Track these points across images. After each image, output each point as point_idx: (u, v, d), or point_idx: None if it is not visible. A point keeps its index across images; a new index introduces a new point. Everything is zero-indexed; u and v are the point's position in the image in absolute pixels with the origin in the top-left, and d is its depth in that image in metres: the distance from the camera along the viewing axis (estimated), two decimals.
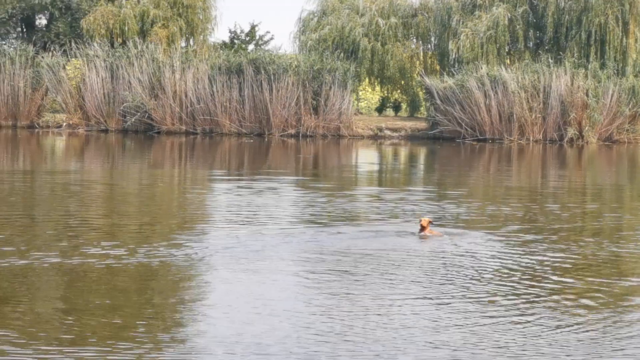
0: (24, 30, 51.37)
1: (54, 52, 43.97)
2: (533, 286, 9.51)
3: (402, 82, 49.33)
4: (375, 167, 29.17)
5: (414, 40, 50.08)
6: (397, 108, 51.02)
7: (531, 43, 46.54)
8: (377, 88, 51.75)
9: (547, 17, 43.77)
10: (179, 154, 32.65)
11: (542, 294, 9.19)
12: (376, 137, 43.00)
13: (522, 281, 9.74)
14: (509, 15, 44.11)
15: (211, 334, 7.52)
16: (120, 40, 44.86)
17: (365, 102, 54.11)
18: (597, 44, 43.10)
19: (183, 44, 47.36)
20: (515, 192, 20.42)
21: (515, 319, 8.15)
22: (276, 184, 20.91)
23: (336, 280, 9.63)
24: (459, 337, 7.48)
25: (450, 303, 8.69)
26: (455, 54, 44.22)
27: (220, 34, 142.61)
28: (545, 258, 11.16)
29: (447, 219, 14.55)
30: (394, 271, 10.15)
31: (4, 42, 49.83)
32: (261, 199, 17.49)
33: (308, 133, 41.78)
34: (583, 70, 41.26)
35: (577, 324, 8.02)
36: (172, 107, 42.06)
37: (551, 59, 42.17)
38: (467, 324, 7.89)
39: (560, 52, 43.32)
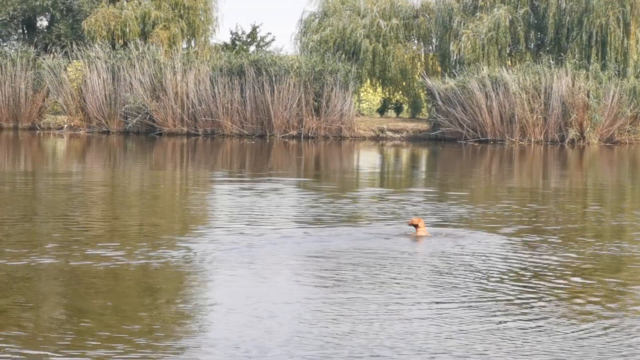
0: (25, 32, 51.39)
1: (55, 53, 43.97)
2: (540, 288, 9.50)
3: (404, 83, 49.34)
4: (377, 169, 29.17)
5: (415, 41, 50.09)
6: (398, 109, 51.02)
7: (532, 44, 46.56)
8: (379, 89, 51.76)
9: (548, 19, 43.78)
10: (181, 155, 32.66)
11: (550, 295, 9.18)
12: (378, 139, 43.00)
13: (528, 283, 9.74)
14: (510, 16, 44.12)
15: (212, 337, 7.52)
16: (121, 41, 44.88)
17: (367, 103, 54.12)
18: (598, 45, 43.11)
19: (184, 46, 47.38)
20: (517, 193, 20.42)
21: (524, 324, 8.14)
22: (278, 185, 20.92)
23: (339, 282, 9.63)
24: (465, 342, 7.47)
25: (454, 306, 8.68)
26: (457, 55, 44.24)
27: (221, 36, 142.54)
28: (549, 259, 11.15)
29: (450, 220, 14.54)
30: (397, 273, 10.14)
31: (5, 44, 49.85)
32: (263, 200, 17.49)
33: (309, 134, 41.78)
34: (584, 72, 41.26)
35: (587, 328, 8.00)
36: (174, 109, 42.07)
37: (552, 60, 42.17)
38: (474, 329, 7.88)
39: (562, 53, 43.33)
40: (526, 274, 10.22)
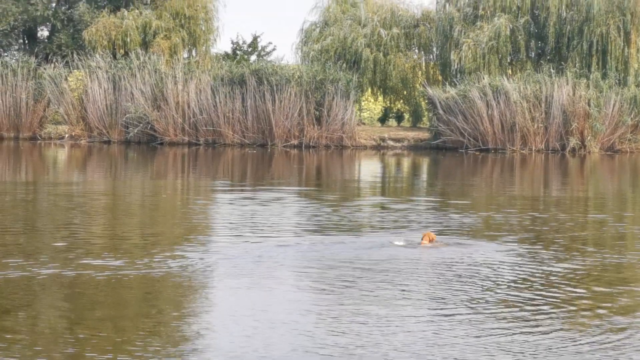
0: (26, 42, 51.47)
1: (56, 63, 44.02)
2: (544, 296, 9.47)
3: (405, 92, 49.39)
4: (379, 178, 29.15)
5: (416, 50, 50.17)
6: (399, 118, 51.05)
7: (533, 53, 46.62)
8: (380, 98, 51.82)
9: (549, 28, 43.84)
10: (182, 164, 32.65)
11: (555, 304, 9.15)
12: (379, 148, 43.00)
13: (532, 291, 9.71)
14: (511, 25, 44.17)
15: (213, 348, 7.48)
16: (122, 51, 44.94)
17: (368, 112, 54.16)
18: (598, 54, 43.16)
19: (185, 55, 47.46)
20: (518, 202, 20.40)
21: (530, 330, 8.11)
22: (280, 195, 20.90)
23: (342, 292, 9.59)
24: (470, 351, 7.44)
25: (458, 315, 8.64)
26: (457, 64, 44.29)
27: (222, 45, 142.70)
28: (552, 267, 11.12)
29: (452, 229, 14.52)
30: (400, 282, 10.10)
31: (6, 54, 49.94)
32: (265, 210, 17.47)
33: (311, 143, 41.79)
34: (585, 80, 41.30)
35: (592, 336, 7.98)
36: (175, 118, 42.09)
37: (553, 69, 42.21)
38: (478, 337, 7.85)
39: (562, 62, 43.37)
40: (533, 282, 10.18)
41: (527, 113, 41.20)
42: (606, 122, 41.35)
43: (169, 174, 28.42)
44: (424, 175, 31.58)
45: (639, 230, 15.69)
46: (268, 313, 8.57)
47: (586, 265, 11.42)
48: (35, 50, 48.41)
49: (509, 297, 9.43)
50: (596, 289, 10.01)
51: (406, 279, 10.31)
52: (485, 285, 9.94)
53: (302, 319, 8.36)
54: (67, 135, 43.28)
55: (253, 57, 53.85)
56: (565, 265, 11.38)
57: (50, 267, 10.60)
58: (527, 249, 12.65)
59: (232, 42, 54.82)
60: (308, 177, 28.19)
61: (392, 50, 47.73)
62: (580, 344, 7.66)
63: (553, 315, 8.65)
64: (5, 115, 43.88)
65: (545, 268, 11.12)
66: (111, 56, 44.00)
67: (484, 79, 41.56)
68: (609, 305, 9.19)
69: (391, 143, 43.72)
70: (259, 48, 54.67)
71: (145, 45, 45.76)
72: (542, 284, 10.11)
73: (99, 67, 42.90)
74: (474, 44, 43.74)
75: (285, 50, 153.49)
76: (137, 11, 46.87)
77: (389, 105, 51.40)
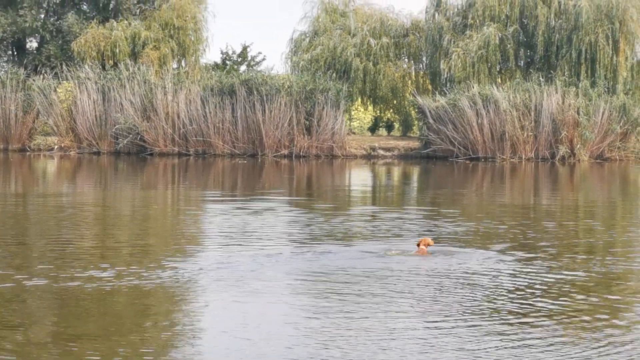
0: (15, 53, 51.37)
1: (45, 75, 43.97)
2: (538, 306, 9.45)
3: (395, 101, 49.46)
4: (370, 187, 29.14)
5: (406, 59, 50.26)
6: (389, 127, 51.09)
7: (522, 62, 46.73)
8: (370, 108, 51.87)
9: (538, 36, 43.94)
10: (172, 175, 32.58)
11: (549, 313, 9.12)
12: (369, 157, 43.02)
13: (531, 300, 9.68)
14: (500, 34, 44.26)
15: None
16: (111, 62, 44.91)
17: (358, 121, 54.20)
18: (587, 62, 43.28)
19: (175, 66, 47.44)
20: (509, 210, 20.39)
21: (532, 341, 8.09)
22: (271, 204, 20.85)
23: (335, 302, 9.54)
24: None
25: (452, 324, 8.61)
26: (447, 73, 44.37)
27: (211, 55, 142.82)
28: (546, 277, 11.10)
29: (444, 237, 14.49)
30: (394, 292, 10.07)
31: None
32: (256, 220, 17.42)
33: (301, 153, 41.78)
34: (574, 89, 41.42)
35: (590, 348, 7.96)
36: (165, 129, 42.03)
37: (542, 77, 42.33)
38: (473, 347, 7.82)
39: (551, 71, 43.48)
40: (527, 291, 10.15)
41: (517, 122, 41.28)
42: (595, 130, 41.46)
43: (159, 184, 28.34)
44: (415, 184, 31.57)
45: (628, 239, 15.69)
46: (260, 324, 8.52)
47: (582, 275, 11.39)
48: (24, 62, 48.33)
49: (505, 306, 9.40)
50: (593, 299, 9.99)
51: (398, 287, 10.27)
52: (480, 295, 9.91)
53: (294, 330, 8.31)
54: (56, 147, 43.19)
55: (243, 67, 53.86)
56: (560, 274, 11.36)
57: (40, 278, 10.53)
58: (518, 257, 12.63)
59: (222, 52, 54.86)
60: (299, 187, 28.16)
61: (382, 60, 47.79)
62: (578, 354, 7.64)
63: (549, 326, 8.62)
64: None
65: (539, 277, 11.09)
66: (100, 67, 43.96)
67: (473, 87, 41.65)
68: (607, 315, 9.16)
69: (381, 152, 43.73)
70: (249, 58, 54.69)
71: (135, 56, 45.73)
72: (536, 294, 10.08)
73: (88, 78, 42.84)
74: (464, 53, 43.82)
75: (274, 60, 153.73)
76: (126, 22, 46.84)
77: (379, 114, 51.45)
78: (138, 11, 49.18)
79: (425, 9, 47.07)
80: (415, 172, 36.91)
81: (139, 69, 43.11)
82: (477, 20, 44.80)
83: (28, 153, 42.57)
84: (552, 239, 14.75)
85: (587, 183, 31.64)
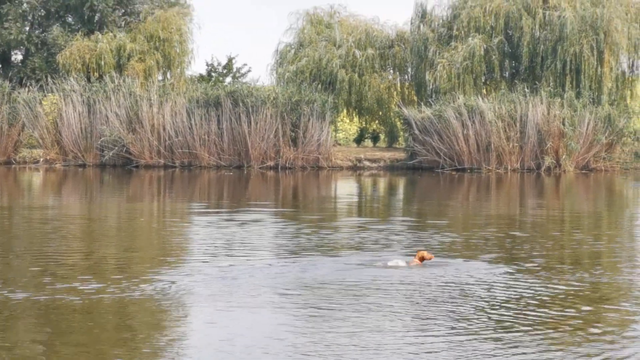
0: (0, 66, 51.20)
1: (31, 87, 43.85)
2: (529, 316, 9.44)
3: (380, 112, 49.53)
4: (356, 198, 29.13)
5: (391, 71, 50.37)
6: (375, 139, 51.14)
7: (507, 73, 46.87)
8: (355, 119, 51.91)
9: (523, 47, 44.08)
10: (158, 187, 32.50)
11: (540, 324, 9.12)
12: (355, 168, 43.03)
13: (516, 311, 9.68)
14: (485, 45, 44.38)
15: None
16: (96, 74, 44.81)
17: (344, 133, 54.22)
18: (572, 73, 43.42)
19: (160, 78, 47.39)
20: (495, 221, 20.42)
21: (518, 351, 8.07)
22: (258, 216, 20.81)
23: (322, 315, 9.50)
24: None
25: (443, 336, 8.59)
26: (432, 84, 44.45)
27: (197, 67, 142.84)
28: (536, 288, 11.10)
29: (431, 249, 14.48)
30: (382, 303, 10.03)
31: None
32: (243, 232, 17.38)
33: (287, 165, 41.77)
34: (559, 99, 41.57)
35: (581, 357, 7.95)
36: (150, 141, 41.96)
37: (527, 88, 42.45)
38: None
39: (536, 82, 43.62)
40: (519, 302, 10.14)
41: (502, 132, 41.38)
42: (581, 141, 41.60)
43: (145, 197, 28.27)
44: (401, 196, 31.58)
45: (615, 249, 15.72)
46: (245, 338, 8.48)
47: (572, 286, 11.40)
48: (9, 74, 48.17)
49: (496, 317, 9.38)
50: (585, 308, 9.98)
51: (386, 299, 10.24)
52: (471, 305, 9.89)
53: (279, 343, 8.26)
54: (42, 159, 43.06)
55: (228, 79, 53.85)
56: (549, 285, 11.36)
57: (24, 291, 10.46)
58: (507, 268, 12.62)
59: (207, 64, 54.81)
60: (285, 198, 28.13)
61: (367, 71, 47.87)
62: None
63: (539, 336, 8.62)
64: None
65: (531, 288, 11.09)
66: (85, 79, 43.87)
67: (459, 98, 41.74)
68: (599, 325, 9.17)
69: (367, 164, 43.76)
70: (234, 70, 54.67)
71: (120, 68, 45.66)
72: (527, 305, 10.07)
73: (73, 91, 42.75)
74: (449, 64, 43.91)
75: (260, 71, 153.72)
76: (111, 34, 46.78)
77: (364, 125, 51.49)
78: (123, 23, 49.14)
79: (411, 20, 47.22)
80: (401, 184, 36.93)
81: (124, 81, 43.05)
82: (462, 32, 44.91)
83: (13, 166, 42.41)
84: (540, 250, 14.76)
85: (572, 194, 31.72)
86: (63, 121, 42.68)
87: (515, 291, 10.80)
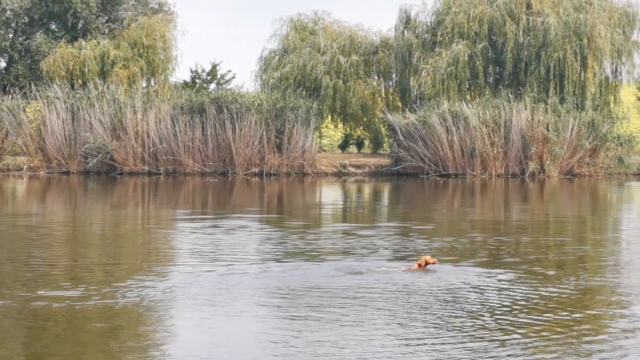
0: None
1: (14, 94, 43.68)
2: (516, 322, 9.43)
3: (365, 118, 49.56)
4: (341, 204, 29.11)
5: (376, 77, 50.44)
6: (360, 145, 51.17)
7: (491, 78, 46.99)
8: (340, 125, 51.94)
9: (507, 53, 44.21)
10: (142, 194, 32.40)
11: (529, 329, 9.11)
12: (340, 174, 43.02)
13: (506, 316, 9.66)
14: (469, 51, 44.47)
15: None
16: (80, 81, 44.69)
17: (328, 139, 54.23)
18: (556, 79, 43.56)
19: (144, 84, 47.32)
20: (479, 226, 20.43)
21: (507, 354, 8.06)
22: (243, 223, 20.75)
23: (309, 322, 9.46)
24: None
25: (428, 342, 8.56)
26: (417, 90, 44.52)
27: (181, 74, 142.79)
28: (524, 291, 11.10)
29: (418, 253, 14.47)
30: (368, 310, 9.99)
31: None
32: (228, 238, 17.33)
33: (272, 171, 41.73)
34: (543, 105, 41.69)
35: None
36: (135, 148, 41.85)
37: (511, 94, 42.56)
38: None
39: (520, 87, 43.73)
40: (509, 307, 10.12)
41: (487, 138, 41.46)
42: (565, 147, 41.72)
43: (130, 204, 28.17)
44: (386, 202, 31.58)
45: (600, 253, 15.74)
46: (230, 343, 8.43)
47: (559, 289, 11.40)
48: None
49: (485, 322, 9.37)
50: (575, 312, 9.98)
51: (378, 306, 10.21)
52: (460, 311, 9.88)
53: (264, 349, 8.21)
54: (25, 167, 42.88)
55: (212, 86, 53.80)
56: (538, 289, 11.36)
57: (9, 298, 10.39)
58: (494, 273, 12.61)
59: (191, 71, 54.78)
60: (270, 204, 28.08)
61: (352, 77, 47.91)
62: None
63: (530, 340, 8.60)
64: None
65: (519, 292, 11.08)
66: (69, 86, 43.74)
67: (443, 104, 41.80)
68: (589, 329, 9.16)
69: (352, 170, 43.76)
70: (218, 76, 54.62)
71: (104, 75, 45.56)
72: (516, 309, 10.06)
73: (57, 98, 42.62)
74: (433, 70, 43.99)
75: (244, 78, 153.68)
76: (94, 41, 46.67)
77: (349, 132, 51.52)
78: (107, 30, 49.04)
79: (395, 26, 47.33)
80: (386, 189, 36.93)
81: (108, 88, 42.95)
82: (446, 37, 45.01)
83: None
84: (526, 255, 14.77)
85: (557, 199, 31.78)
86: (47, 128, 42.53)
87: (505, 295, 10.78)
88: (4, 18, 49.28)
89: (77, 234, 18.75)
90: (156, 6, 51.18)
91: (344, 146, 51.30)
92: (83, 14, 48.29)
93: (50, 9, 48.81)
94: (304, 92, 45.18)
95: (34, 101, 43.66)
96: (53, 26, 50.28)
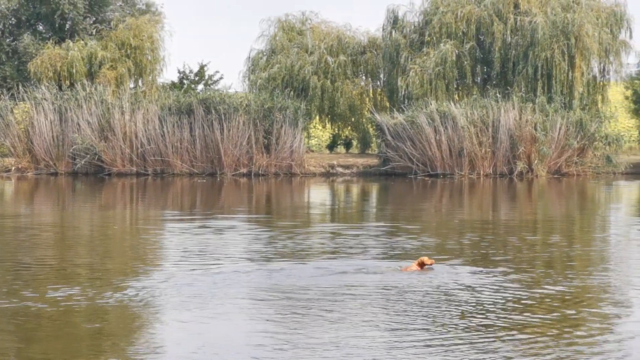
0: None
1: (2, 96, 43.56)
2: (507, 321, 9.44)
3: (353, 119, 49.54)
4: (330, 205, 29.11)
5: (363, 77, 50.42)
6: (348, 145, 51.17)
7: (479, 78, 47.01)
8: (328, 125, 51.89)
9: (494, 53, 44.27)
10: (131, 195, 32.34)
11: (521, 327, 9.12)
12: (328, 175, 43.02)
13: (498, 314, 9.67)
14: (457, 51, 44.52)
15: None
16: (68, 82, 44.59)
17: (316, 139, 54.21)
18: (544, 78, 43.63)
19: (132, 85, 47.19)
20: (467, 225, 20.46)
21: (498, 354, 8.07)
22: (232, 223, 20.74)
23: (299, 323, 9.46)
24: None
25: (420, 341, 8.57)
26: (405, 90, 44.52)
27: (169, 75, 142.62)
28: (515, 290, 11.12)
29: (408, 254, 14.49)
30: (359, 309, 10.00)
31: None
32: (217, 239, 17.31)
33: (260, 172, 41.70)
34: (531, 105, 41.75)
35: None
36: (123, 149, 41.77)
37: (499, 93, 42.62)
38: None
39: (508, 87, 43.80)
40: (500, 305, 10.14)
41: (475, 138, 41.51)
42: (552, 146, 41.80)
43: (118, 205, 28.12)
44: (374, 202, 31.59)
45: (589, 253, 15.78)
46: (218, 344, 8.42)
47: (551, 288, 11.42)
48: None
49: (477, 320, 9.38)
50: (568, 311, 10.00)
51: (363, 305, 10.21)
52: (452, 309, 9.89)
53: (253, 350, 8.20)
54: (13, 168, 42.75)
55: (200, 86, 53.68)
56: (529, 288, 11.38)
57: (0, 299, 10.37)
58: (484, 272, 12.63)
59: (179, 72, 54.65)
60: (259, 205, 28.07)
61: (340, 77, 47.90)
62: None
63: (520, 340, 8.62)
64: None
65: (511, 292, 11.11)
66: (57, 87, 43.62)
67: (431, 104, 41.82)
68: (583, 327, 9.18)
69: (340, 170, 43.77)
70: (206, 77, 54.52)
71: (91, 75, 45.44)
72: (508, 308, 10.08)
73: (44, 99, 42.51)
74: (421, 70, 44.01)
75: (232, 78, 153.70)
76: (82, 42, 46.55)
77: (337, 132, 51.51)
78: (94, 31, 48.90)
79: (382, 26, 47.32)
80: (374, 190, 36.95)
81: (95, 89, 42.86)
82: (434, 37, 45.04)
83: None
84: (515, 254, 14.80)
85: (545, 198, 31.85)
86: (35, 129, 42.42)
87: (497, 295, 10.80)
88: None
89: (66, 235, 18.70)
90: (144, 7, 51.04)
91: (332, 146, 51.30)
92: (70, 15, 48.15)
93: (37, 10, 48.66)
94: (292, 92, 45.15)
95: (21, 102, 43.53)
96: (40, 27, 50.11)
